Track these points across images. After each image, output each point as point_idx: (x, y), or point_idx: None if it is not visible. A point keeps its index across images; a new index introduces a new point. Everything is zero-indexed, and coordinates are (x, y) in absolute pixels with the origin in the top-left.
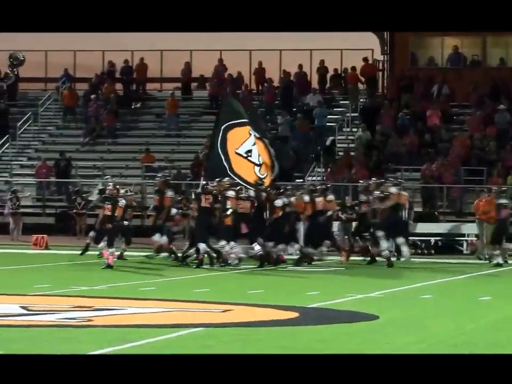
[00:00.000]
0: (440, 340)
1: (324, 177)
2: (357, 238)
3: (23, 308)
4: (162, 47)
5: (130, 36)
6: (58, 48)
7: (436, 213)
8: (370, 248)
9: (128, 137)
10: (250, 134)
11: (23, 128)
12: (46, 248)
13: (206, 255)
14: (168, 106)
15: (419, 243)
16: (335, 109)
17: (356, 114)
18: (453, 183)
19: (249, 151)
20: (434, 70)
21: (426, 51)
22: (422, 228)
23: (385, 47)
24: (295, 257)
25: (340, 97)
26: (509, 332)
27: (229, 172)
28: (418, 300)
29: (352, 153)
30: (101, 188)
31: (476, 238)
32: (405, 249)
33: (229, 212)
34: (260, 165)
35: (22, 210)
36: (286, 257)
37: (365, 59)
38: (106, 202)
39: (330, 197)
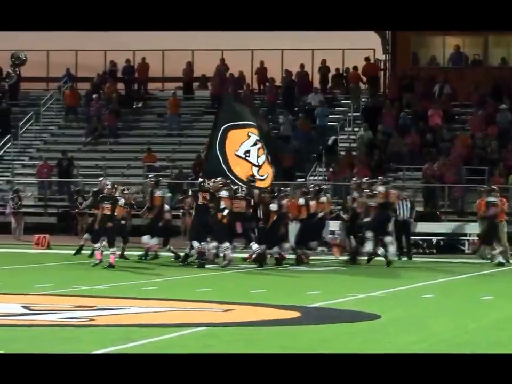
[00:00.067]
0: (442, 339)
1: (326, 177)
2: (351, 236)
3: (24, 307)
4: (164, 46)
5: (132, 35)
6: (60, 48)
7: (437, 212)
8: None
9: (130, 136)
10: (249, 136)
11: (25, 127)
12: (48, 247)
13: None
14: (169, 106)
15: (421, 242)
16: (336, 109)
17: (358, 113)
18: (454, 183)
19: (248, 151)
20: (436, 69)
21: (428, 50)
22: (423, 227)
23: (387, 47)
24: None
25: (341, 96)
26: (511, 331)
27: (228, 174)
28: (420, 300)
29: (354, 153)
30: (95, 190)
31: (477, 238)
32: (391, 249)
33: (225, 213)
34: (258, 166)
35: (23, 210)
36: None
37: (367, 59)
38: (105, 202)
39: (323, 199)
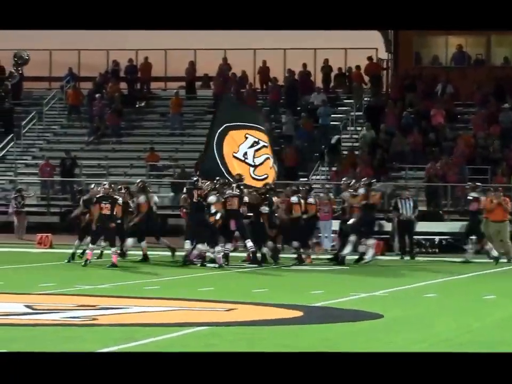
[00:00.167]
0: (445, 339)
1: (329, 176)
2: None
3: (27, 306)
4: (167, 46)
5: (134, 35)
6: (63, 47)
7: (440, 211)
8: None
9: (133, 136)
10: (246, 138)
11: (28, 127)
12: (51, 247)
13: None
14: (172, 106)
15: (423, 242)
16: (339, 108)
17: (360, 113)
18: (457, 182)
19: (245, 153)
20: (438, 69)
21: (430, 50)
22: (426, 226)
23: (390, 46)
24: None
25: (344, 96)
26: None
27: (226, 175)
28: (422, 299)
29: (357, 152)
30: (85, 198)
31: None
32: (371, 252)
33: (218, 217)
34: (254, 166)
35: (26, 209)
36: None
37: (369, 58)
38: (104, 202)
39: (311, 200)
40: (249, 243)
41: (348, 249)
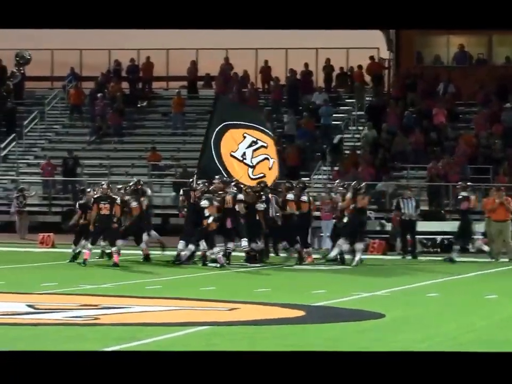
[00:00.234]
0: (447, 338)
1: (330, 176)
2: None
3: (29, 306)
4: (169, 45)
5: (136, 34)
6: (65, 47)
7: (442, 211)
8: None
9: (135, 135)
10: (245, 137)
11: (30, 126)
12: (53, 246)
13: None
14: (174, 105)
15: (425, 241)
16: (341, 108)
17: (362, 112)
18: (459, 182)
19: (244, 153)
20: (440, 68)
21: (432, 50)
22: (428, 226)
23: (391, 45)
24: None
25: (345, 95)
26: None
27: (223, 172)
28: (424, 298)
29: (358, 152)
30: (81, 202)
31: (482, 236)
32: (358, 257)
33: (210, 220)
34: (253, 167)
35: (28, 208)
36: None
37: (371, 57)
38: (103, 202)
39: (304, 197)
40: (244, 242)
41: (334, 251)
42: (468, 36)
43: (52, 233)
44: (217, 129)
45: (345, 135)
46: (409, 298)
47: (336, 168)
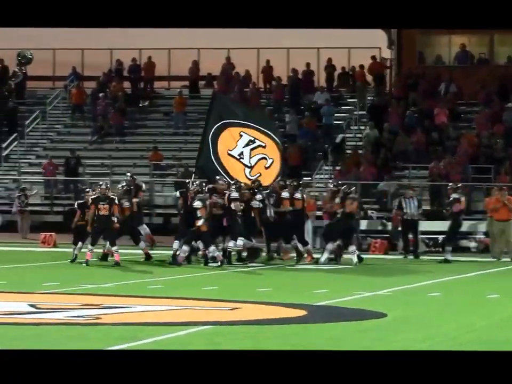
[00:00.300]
0: (449, 338)
1: (332, 175)
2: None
3: (31, 306)
4: (170, 45)
5: (138, 34)
6: (66, 47)
7: (444, 210)
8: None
9: (136, 135)
10: (241, 136)
11: (31, 126)
12: (54, 246)
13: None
14: (175, 105)
15: (427, 241)
16: (342, 107)
17: (364, 112)
18: (460, 181)
19: (241, 153)
20: (442, 68)
21: (433, 49)
22: (430, 225)
23: (392, 46)
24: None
25: (347, 95)
26: None
27: (220, 171)
28: (426, 298)
29: (360, 151)
30: (80, 202)
31: (483, 236)
32: (354, 257)
33: (200, 223)
34: (250, 167)
35: (30, 208)
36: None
37: (373, 57)
38: (102, 203)
39: (297, 195)
40: (239, 241)
41: (324, 256)
42: (469, 35)
43: (53, 233)
44: (214, 128)
45: (347, 135)
46: (410, 298)
47: (338, 168)
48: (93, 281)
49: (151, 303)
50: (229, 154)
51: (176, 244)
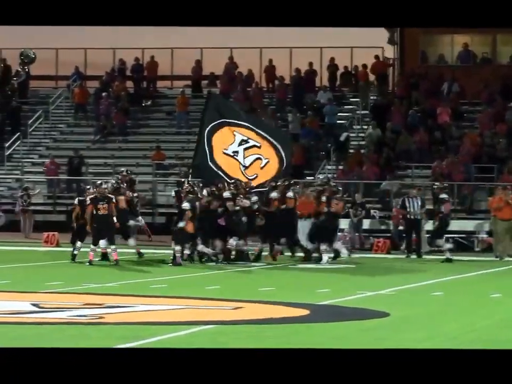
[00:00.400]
0: (451, 337)
1: (335, 175)
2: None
3: (34, 305)
4: (173, 44)
5: (140, 33)
6: (69, 46)
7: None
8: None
9: (139, 134)
10: (235, 135)
11: (34, 125)
12: (57, 245)
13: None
14: (178, 104)
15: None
16: (345, 107)
17: (366, 111)
18: (463, 181)
19: (236, 152)
20: (444, 67)
21: (436, 49)
22: (432, 225)
23: (395, 45)
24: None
25: (350, 94)
26: None
27: (216, 170)
28: (428, 297)
29: (363, 151)
30: (81, 198)
31: (486, 235)
32: (344, 251)
33: (181, 224)
34: (245, 167)
35: (32, 207)
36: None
37: (376, 57)
38: (101, 202)
39: (290, 194)
40: (232, 240)
41: (325, 257)
42: (472, 35)
43: (56, 232)
44: (209, 128)
45: (350, 134)
46: (413, 298)
47: (340, 167)
48: (95, 281)
49: (154, 303)
50: (224, 153)
51: (173, 243)
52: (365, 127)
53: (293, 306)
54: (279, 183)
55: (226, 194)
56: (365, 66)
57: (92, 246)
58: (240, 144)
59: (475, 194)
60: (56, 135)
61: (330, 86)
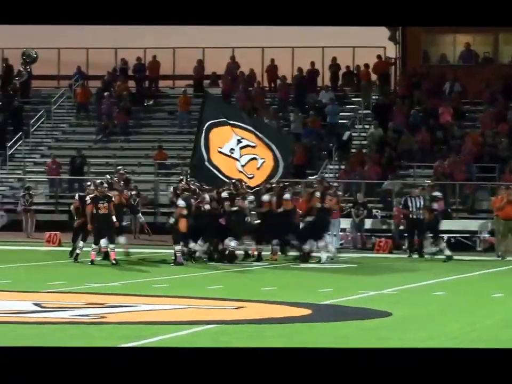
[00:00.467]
0: (453, 337)
1: (337, 174)
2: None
3: (36, 304)
4: (175, 44)
5: (142, 33)
6: (71, 46)
7: (448, 209)
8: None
9: (141, 134)
10: (232, 135)
11: (36, 125)
12: (59, 245)
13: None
14: (180, 104)
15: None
16: (347, 106)
17: (368, 111)
18: (465, 180)
19: (232, 149)
20: (446, 67)
21: (438, 48)
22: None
23: (397, 45)
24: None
25: (352, 94)
26: None
27: (212, 169)
28: (430, 297)
29: (365, 150)
30: (82, 194)
31: (488, 235)
32: (324, 254)
33: (171, 221)
34: (243, 165)
35: (35, 207)
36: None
37: (379, 56)
38: (101, 202)
39: (286, 196)
40: (227, 240)
41: (323, 255)
42: (474, 34)
43: (58, 232)
44: (207, 124)
45: (352, 134)
46: (415, 297)
47: (342, 167)
48: (97, 280)
49: (156, 302)
50: (219, 152)
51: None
52: (367, 126)
53: (295, 306)
54: (274, 185)
55: (224, 194)
56: (367, 66)
57: (93, 246)
58: (236, 144)
59: (477, 194)
60: (58, 135)
61: (332, 86)
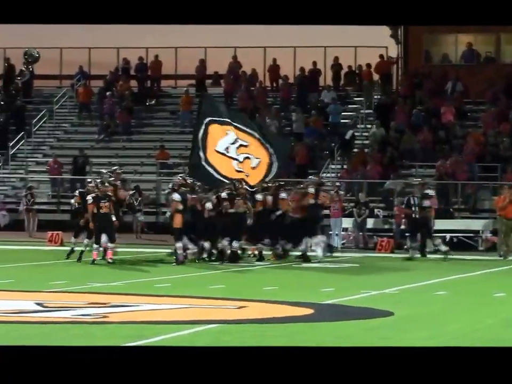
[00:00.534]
0: (455, 336)
1: (339, 174)
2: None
3: (38, 304)
4: (177, 44)
5: (145, 32)
6: (73, 45)
7: (450, 209)
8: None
9: (143, 134)
10: (227, 134)
11: (38, 125)
12: (61, 245)
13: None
14: (182, 103)
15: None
16: (349, 106)
17: (370, 111)
18: (467, 180)
19: (227, 148)
20: (448, 66)
21: (440, 48)
22: (436, 224)
23: (399, 45)
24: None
25: (354, 93)
26: None
27: (208, 169)
28: (432, 297)
29: (367, 150)
30: (82, 190)
31: (490, 234)
32: (320, 250)
33: (167, 215)
34: (241, 162)
35: (37, 207)
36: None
37: (381, 56)
38: (103, 201)
39: (283, 195)
40: (225, 242)
41: (318, 250)
42: (476, 34)
43: (60, 232)
44: (202, 127)
45: (354, 133)
46: (417, 297)
47: (344, 166)
48: (100, 280)
49: (158, 302)
50: (216, 151)
51: (179, 244)
52: (369, 126)
53: (297, 305)
54: (269, 184)
55: (223, 194)
56: (369, 65)
57: (94, 245)
58: (233, 143)
59: (479, 194)
60: (60, 135)
61: (334, 85)
